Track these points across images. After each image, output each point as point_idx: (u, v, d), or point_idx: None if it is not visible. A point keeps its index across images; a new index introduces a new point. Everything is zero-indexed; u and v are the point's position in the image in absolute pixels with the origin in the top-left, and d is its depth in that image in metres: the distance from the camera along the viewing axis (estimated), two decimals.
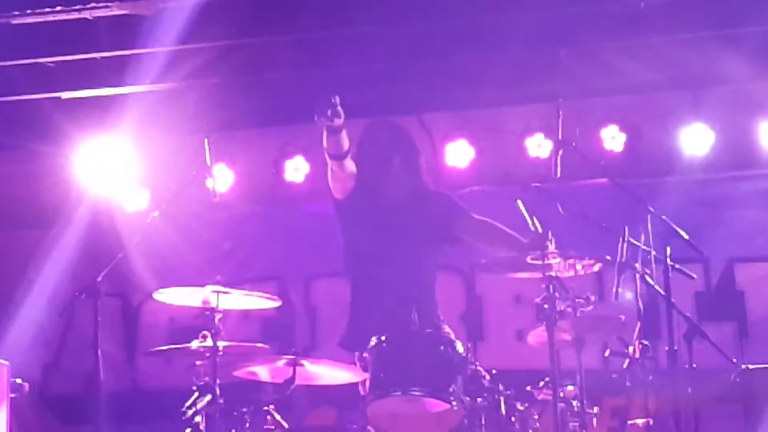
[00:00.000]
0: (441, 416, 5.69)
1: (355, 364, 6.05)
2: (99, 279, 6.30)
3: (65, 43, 8.22)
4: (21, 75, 8.47)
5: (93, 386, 6.35)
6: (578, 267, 5.96)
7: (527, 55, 8.26)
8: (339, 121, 6.02)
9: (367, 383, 5.78)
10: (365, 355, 5.82)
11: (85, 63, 8.36)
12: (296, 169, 9.18)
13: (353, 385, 6.02)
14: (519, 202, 6.13)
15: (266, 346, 6.52)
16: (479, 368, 5.94)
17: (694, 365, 6.17)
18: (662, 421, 6.09)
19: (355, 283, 6.56)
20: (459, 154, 9.04)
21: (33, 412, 9.07)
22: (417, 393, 5.63)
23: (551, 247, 5.88)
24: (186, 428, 5.83)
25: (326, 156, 6.31)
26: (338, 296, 7.91)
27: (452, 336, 6.16)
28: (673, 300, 5.91)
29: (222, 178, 8.95)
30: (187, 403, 5.84)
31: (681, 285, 6.27)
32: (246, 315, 8.35)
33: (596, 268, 6.02)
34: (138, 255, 8.32)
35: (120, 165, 9.09)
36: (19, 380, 7.60)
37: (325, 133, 6.17)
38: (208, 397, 5.87)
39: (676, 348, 5.87)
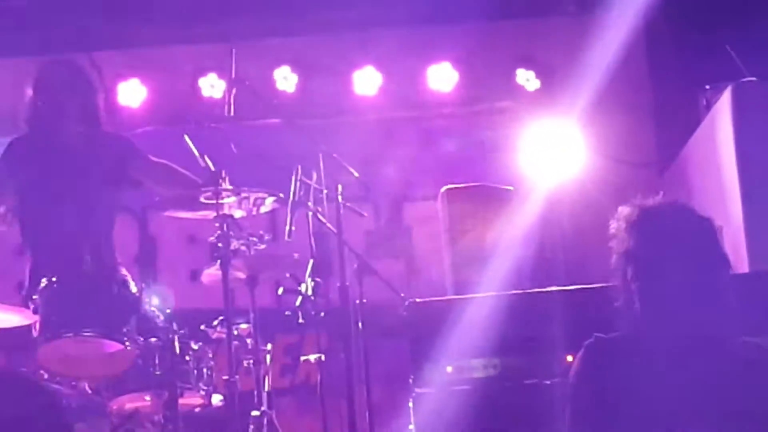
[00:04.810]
0: (114, 356, 5.63)
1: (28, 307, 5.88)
2: None
3: None
4: None
5: None
6: (251, 205, 5.99)
7: None
8: None
9: (38, 326, 5.64)
10: (35, 297, 5.67)
11: None
12: None
13: (23, 329, 5.84)
14: (186, 137, 6.10)
15: None
16: (153, 308, 5.91)
17: (365, 300, 6.39)
18: (334, 356, 6.26)
19: (26, 228, 6.34)
20: (131, 93, 8.89)
21: None
22: (89, 334, 5.54)
23: (225, 186, 5.89)
24: None
25: None
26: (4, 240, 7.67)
27: (128, 277, 6.10)
28: (344, 237, 6.06)
29: None
30: None
31: (352, 223, 6.44)
32: None
33: (269, 203, 6.06)
34: None
35: None
36: None
37: None
38: None
39: (347, 284, 6.03)
